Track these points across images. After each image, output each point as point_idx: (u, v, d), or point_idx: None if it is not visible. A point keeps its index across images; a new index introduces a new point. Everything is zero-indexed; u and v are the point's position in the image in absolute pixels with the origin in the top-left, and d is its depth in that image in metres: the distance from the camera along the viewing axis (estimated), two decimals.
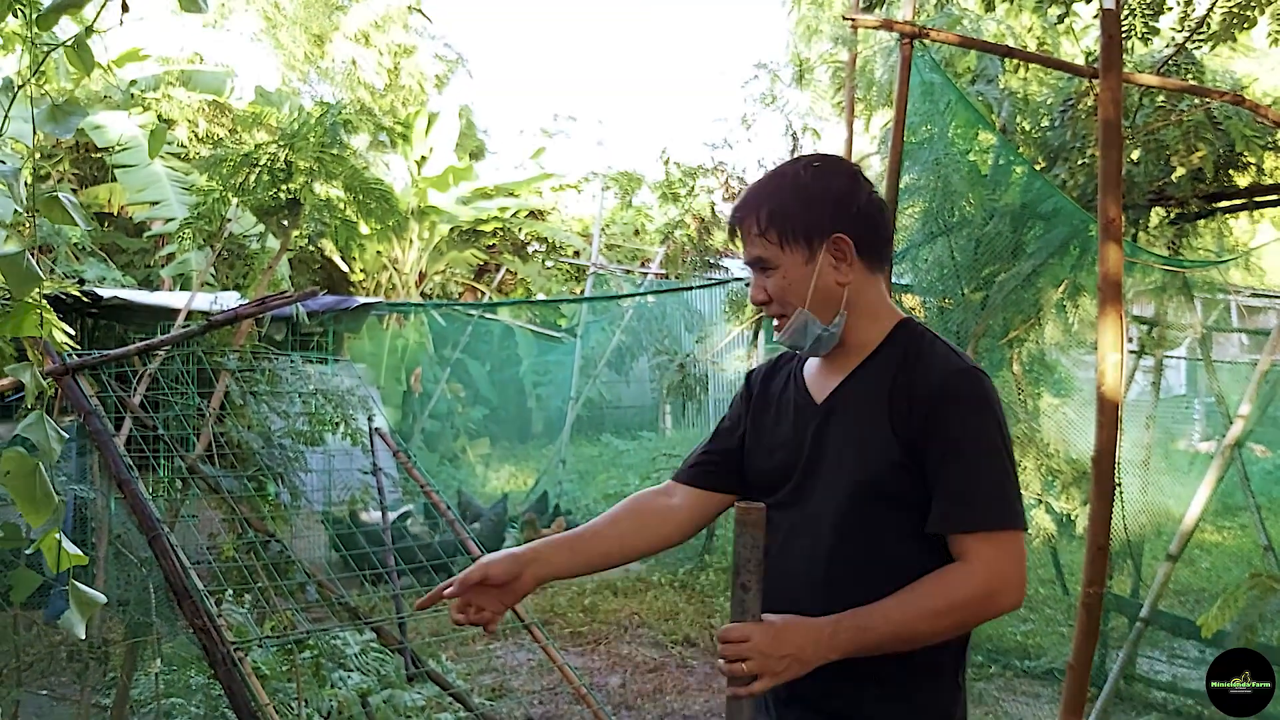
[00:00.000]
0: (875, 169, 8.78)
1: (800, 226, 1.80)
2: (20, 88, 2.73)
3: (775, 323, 1.88)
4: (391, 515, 7.06)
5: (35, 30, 2.54)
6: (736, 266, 12.97)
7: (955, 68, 6.36)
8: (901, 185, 4.74)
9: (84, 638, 2.34)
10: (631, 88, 53.41)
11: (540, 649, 6.46)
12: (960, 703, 1.83)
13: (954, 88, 5.42)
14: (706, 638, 6.75)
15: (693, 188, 8.68)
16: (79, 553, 2.43)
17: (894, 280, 5.35)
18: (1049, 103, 6.23)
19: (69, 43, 2.47)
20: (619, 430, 15.53)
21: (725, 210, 8.88)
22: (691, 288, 10.87)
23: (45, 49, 2.65)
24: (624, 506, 2.07)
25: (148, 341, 3.71)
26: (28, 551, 2.34)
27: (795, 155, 8.24)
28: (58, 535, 2.39)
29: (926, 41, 4.26)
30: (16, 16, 2.87)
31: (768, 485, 1.91)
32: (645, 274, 14.07)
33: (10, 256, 2.39)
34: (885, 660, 1.69)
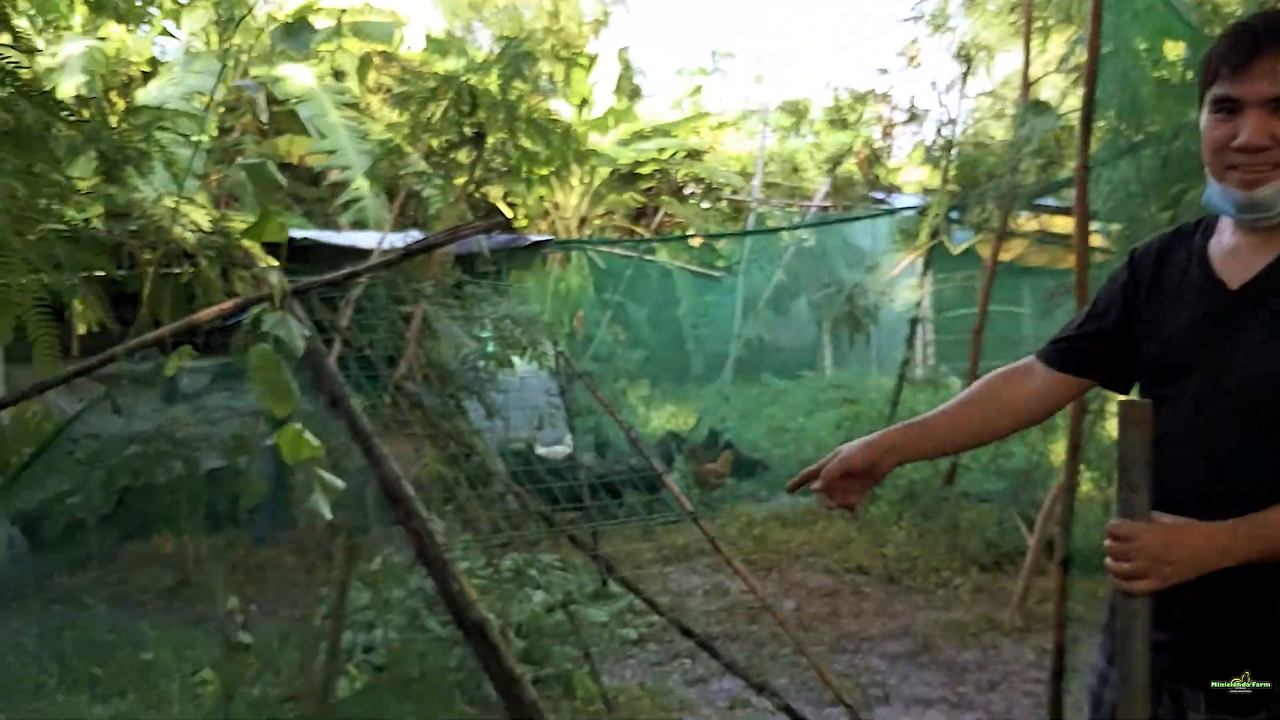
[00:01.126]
0: (1048, 94, 8.48)
1: None
2: (244, 18, 2.92)
3: (1252, 175, 1.61)
4: (567, 443, 7.29)
5: None
6: (901, 200, 12.73)
7: None
8: None
9: (329, 517, 2.55)
10: (791, 21, 52.30)
11: (713, 573, 6.61)
12: None
13: None
14: (879, 566, 6.76)
15: (861, 114, 8.53)
16: (317, 444, 2.64)
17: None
18: (1239, 13, 5.92)
19: None
20: (779, 370, 15.50)
21: (893, 138, 8.71)
22: (859, 218, 10.73)
23: None
24: (978, 389, 2.01)
25: (355, 269, 3.93)
26: (268, 443, 2.56)
27: (965, 78, 8.01)
28: (297, 426, 2.59)
29: None
30: None
31: (1158, 375, 1.77)
32: (806, 209, 13.93)
33: (255, 165, 2.59)
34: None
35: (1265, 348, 1.61)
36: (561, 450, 7.89)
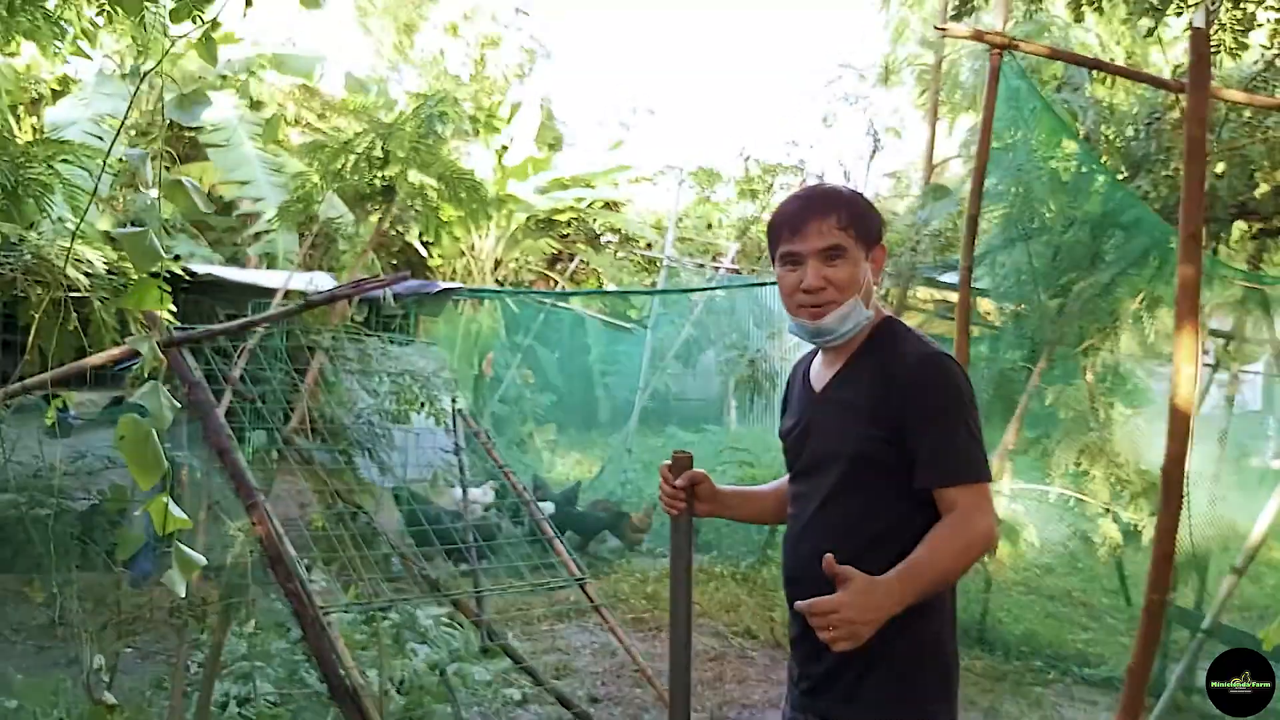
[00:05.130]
0: (955, 172, 8.79)
1: (869, 230, 2.19)
2: (146, 75, 2.91)
3: (816, 310, 2.17)
4: (474, 492, 7.25)
5: (167, 21, 2.70)
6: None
7: (1041, 74, 6.37)
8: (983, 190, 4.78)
9: (184, 596, 2.51)
10: (712, 81, 53.27)
11: (603, 632, 6.61)
12: (955, 677, 2.16)
13: (1039, 95, 5.45)
14: (767, 630, 6.84)
15: (771, 184, 8.73)
16: (184, 517, 2.60)
17: (972, 285, 5.41)
18: (1134, 113, 6.22)
19: (199, 34, 2.64)
20: (684, 422, 15.60)
21: None
22: (765, 284, 10.92)
23: (172, 40, 2.83)
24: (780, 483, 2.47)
25: (251, 318, 3.90)
26: (135, 514, 2.51)
27: (873, 156, 8.32)
28: (165, 499, 2.55)
29: (1016, 52, 4.30)
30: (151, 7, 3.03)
31: (790, 464, 2.35)
32: (717, 268, 14.13)
33: (135, 234, 2.58)
34: (894, 640, 1.98)
35: (838, 434, 2.19)
36: (458, 495, 7.85)
